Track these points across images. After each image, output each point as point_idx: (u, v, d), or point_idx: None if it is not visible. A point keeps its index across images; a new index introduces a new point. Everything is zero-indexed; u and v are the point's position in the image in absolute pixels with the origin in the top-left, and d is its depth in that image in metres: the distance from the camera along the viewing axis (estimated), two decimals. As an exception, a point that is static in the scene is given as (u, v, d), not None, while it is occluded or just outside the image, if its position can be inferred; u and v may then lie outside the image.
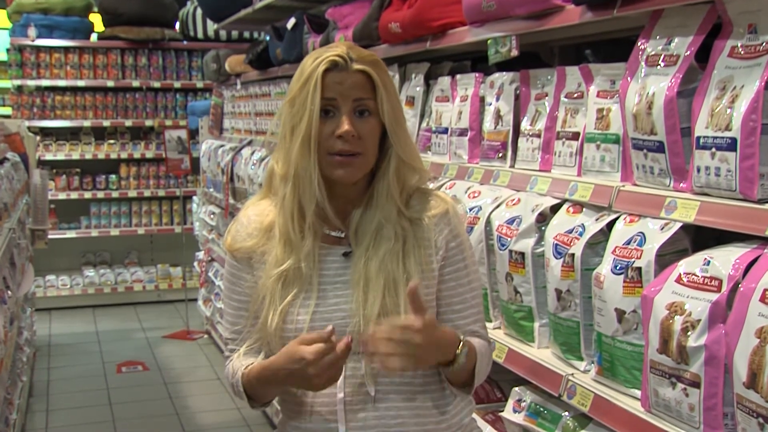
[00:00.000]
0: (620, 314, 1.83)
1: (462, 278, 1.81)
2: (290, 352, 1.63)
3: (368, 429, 1.72)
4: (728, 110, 1.65)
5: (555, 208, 2.20)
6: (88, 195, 7.98)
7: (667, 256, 1.78)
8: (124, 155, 8.05)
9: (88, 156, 7.95)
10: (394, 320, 1.62)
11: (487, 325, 2.17)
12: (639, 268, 1.79)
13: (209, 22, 7.74)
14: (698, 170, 1.73)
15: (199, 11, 7.78)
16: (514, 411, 2.23)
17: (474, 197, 2.50)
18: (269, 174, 1.82)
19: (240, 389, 1.78)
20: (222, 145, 6.00)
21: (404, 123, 1.79)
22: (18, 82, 7.80)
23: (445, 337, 1.68)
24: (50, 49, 7.83)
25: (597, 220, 2.03)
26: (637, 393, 1.80)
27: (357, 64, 1.70)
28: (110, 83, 7.96)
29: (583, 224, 2.05)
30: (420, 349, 1.59)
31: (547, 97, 2.42)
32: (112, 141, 8.07)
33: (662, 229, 1.79)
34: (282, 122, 1.75)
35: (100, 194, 8.01)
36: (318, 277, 1.75)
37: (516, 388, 2.27)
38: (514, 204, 2.32)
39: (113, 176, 8.06)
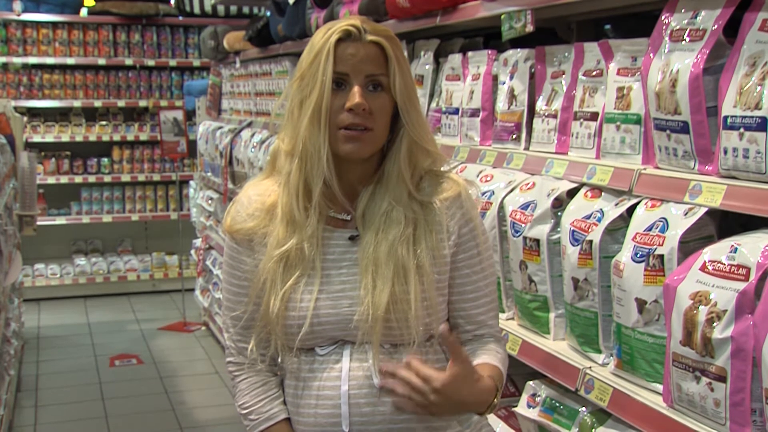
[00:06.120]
0: (641, 304, 1.83)
1: (476, 265, 1.82)
2: None
3: (373, 425, 1.72)
4: (758, 88, 1.64)
5: (572, 193, 2.19)
6: (78, 179, 7.99)
7: (691, 243, 1.78)
8: (116, 137, 8.06)
9: (79, 138, 7.96)
10: (417, 366, 1.61)
11: (500, 315, 2.17)
12: (661, 256, 1.79)
13: (206, -3, 7.73)
14: (725, 152, 1.73)
15: (195, -15, 7.78)
16: (529, 406, 2.24)
17: (486, 181, 2.49)
18: (273, 153, 1.83)
19: None
20: (220, 127, 6.00)
21: (417, 103, 1.80)
22: (3, 59, 7.80)
23: (476, 394, 1.67)
24: (37, 24, 7.83)
25: (617, 205, 2.02)
26: (659, 387, 1.81)
27: (371, 35, 1.72)
28: (101, 61, 7.96)
29: (601, 209, 2.05)
30: (434, 407, 1.62)
31: (564, 76, 2.41)
32: (103, 122, 8.07)
33: (686, 214, 1.78)
34: (290, 98, 1.76)
35: (92, 178, 8.02)
36: (321, 261, 1.76)
37: (530, 383, 2.27)
38: (528, 188, 2.32)
39: (105, 159, 8.07)
